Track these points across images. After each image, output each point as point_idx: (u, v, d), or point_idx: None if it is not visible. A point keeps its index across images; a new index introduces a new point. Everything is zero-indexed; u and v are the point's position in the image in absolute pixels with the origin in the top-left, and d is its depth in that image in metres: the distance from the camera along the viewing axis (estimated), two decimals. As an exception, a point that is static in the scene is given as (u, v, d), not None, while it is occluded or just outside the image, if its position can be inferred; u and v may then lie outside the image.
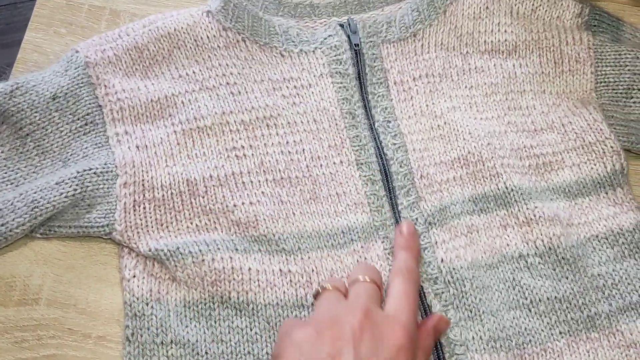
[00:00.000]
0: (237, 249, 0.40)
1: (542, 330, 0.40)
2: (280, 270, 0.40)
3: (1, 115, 0.41)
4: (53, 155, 0.41)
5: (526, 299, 0.40)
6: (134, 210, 0.40)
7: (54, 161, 0.41)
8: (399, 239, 0.38)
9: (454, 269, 0.41)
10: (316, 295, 0.35)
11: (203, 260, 0.38)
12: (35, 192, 0.39)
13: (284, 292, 0.39)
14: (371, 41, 0.46)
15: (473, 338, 0.39)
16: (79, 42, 0.44)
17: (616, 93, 0.46)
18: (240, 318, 0.38)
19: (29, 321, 0.38)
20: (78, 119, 0.42)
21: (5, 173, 0.40)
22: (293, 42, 0.46)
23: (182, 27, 0.45)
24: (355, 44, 0.45)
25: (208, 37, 0.45)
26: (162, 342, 0.37)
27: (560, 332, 0.40)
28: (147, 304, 0.38)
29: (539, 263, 0.41)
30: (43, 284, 0.39)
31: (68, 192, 0.39)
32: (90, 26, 0.46)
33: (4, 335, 0.38)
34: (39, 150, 0.41)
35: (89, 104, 0.42)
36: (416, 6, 0.47)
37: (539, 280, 0.41)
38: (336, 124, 0.44)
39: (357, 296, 0.34)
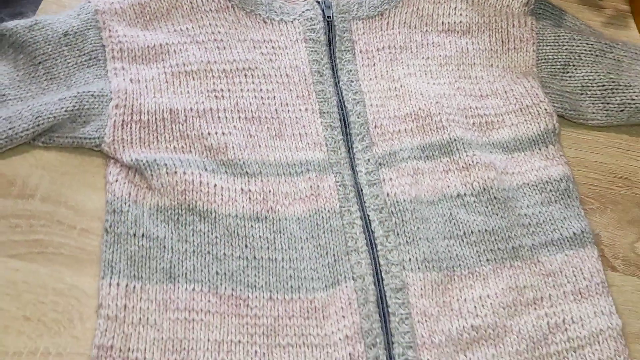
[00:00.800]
0: (206, 169, 0.44)
1: (472, 257, 0.44)
2: (242, 189, 0.44)
3: (20, 45, 0.47)
4: (59, 81, 0.47)
5: (460, 230, 0.45)
6: (122, 128, 0.45)
7: (59, 86, 0.47)
8: None
9: (397, 201, 0.45)
10: None
11: (176, 172, 0.43)
12: (40, 105, 0.45)
13: (243, 206, 0.44)
14: (342, 16, 0.52)
15: (409, 260, 0.43)
16: (92, -2, 0.51)
17: (554, 68, 0.52)
18: (203, 224, 0.43)
19: (24, 212, 0.43)
20: (83, 54, 0.48)
21: (18, 92, 0.46)
22: (275, 12, 0.52)
23: (181, -9, 0.52)
24: (328, 17, 0.52)
25: (202, 1, 0.52)
26: (134, 234, 0.42)
27: (487, 260, 0.44)
28: (125, 203, 0.43)
29: (474, 202, 0.46)
30: (39, 184, 0.44)
31: (68, 107, 0.45)
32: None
33: (1, 221, 0.42)
34: (47, 76, 0.47)
35: (94, 43, 0.48)
36: None
37: (472, 215, 0.45)
38: (305, 79, 0.50)
39: None
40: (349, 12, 0.52)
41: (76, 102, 0.45)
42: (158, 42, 0.49)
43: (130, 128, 0.45)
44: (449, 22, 0.53)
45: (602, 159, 0.50)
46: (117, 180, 0.44)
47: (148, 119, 0.46)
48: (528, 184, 0.47)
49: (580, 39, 0.52)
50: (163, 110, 0.46)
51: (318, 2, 0.52)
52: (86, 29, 0.48)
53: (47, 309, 0.40)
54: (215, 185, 0.44)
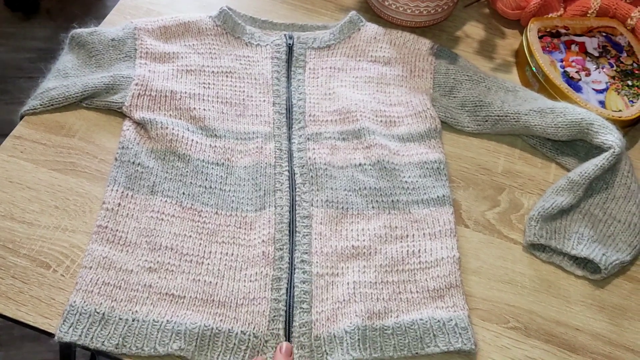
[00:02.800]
0: (188, 129, 0.61)
1: (362, 204, 0.58)
2: (210, 145, 0.61)
3: (82, 44, 0.67)
4: (103, 68, 0.66)
5: (356, 186, 0.59)
6: (137, 98, 0.63)
7: (103, 71, 0.65)
8: (277, 356, 0.47)
9: (315, 163, 0.61)
10: None
11: (167, 127, 0.60)
12: (88, 79, 0.63)
13: (209, 155, 0.60)
14: (301, 45, 0.70)
15: (317, 200, 0.58)
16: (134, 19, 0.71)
17: (444, 90, 0.68)
18: (180, 162, 0.59)
19: (67, 144, 0.60)
20: (122, 53, 0.67)
21: (76, 72, 0.65)
22: (254, 39, 0.71)
23: (192, 20, 0.71)
24: (289, 44, 0.70)
25: (206, 28, 0.71)
26: (133, 162, 0.58)
27: (373, 207, 0.58)
28: (131, 143, 0.60)
29: (370, 169, 0.61)
30: (79, 129, 0.62)
31: (105, 82, 0.63)
32: (144, 16, 0.74)
33: (50, 149, 0.60)
34: (96, 65, 0.66)
35: (130, 47, 0.67)
36: (333, 31, 0.72)
37: (367, 178, 0.60)
38: (267, 82, 0.67)
39: None
40: (305, 43, 0.71)
41: (111, 79, 0.64)
42: (172, 50, 0.68)
43: (142, 99, 0.63)
44: (376, 56, 0.71)
45: (473, 155, 0.65)
46: (128, 129, 0.61)
47: (155, 95, 0.64)
48: (412, 163, 0.62)
49: (463, 72, 0.68)
50: (166, 90, 0.64)
51: (285, 35, 0.71)
52: (127, 38, 0.68)
53: (70, 203, 0.57)
54: (192, 140, 0.61)
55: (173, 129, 0.61)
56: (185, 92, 0.64)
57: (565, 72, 0.68)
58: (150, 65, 0.66)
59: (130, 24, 0.69)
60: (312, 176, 0.60)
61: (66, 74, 0.65)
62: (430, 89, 0.68)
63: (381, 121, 0.65)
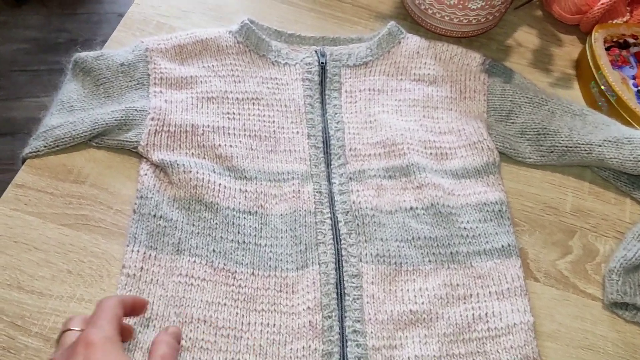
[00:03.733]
0: (214, 171, 0.54)
1: (417, 257, 0.51)
2: (240, 189, 0.54)
3: (88, 70, 0.59)
4: (113, 98, 0.58)
5: (409, 235, 0.52)
6: (154, 135, 0.55)
7: (113, 102, 0.58)
8: (161, 334, 0.38)
9: (361, 208, 0.53)
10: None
11: (190, 171, 0.53)
12: (97, 115, 0.55)
13: (240, 202, 0.53)
14: (334, 63, 0.62)
15: (366, 254, 0.51)
16: (145, 38, 0.62)
17: (500, 115, 0.60)
18: (208, 213, 0.52)
19: (76, 193, 0.53)
20: (133, 80, 0.59)
21: (82, 104, 0.57)
22: (282, 57, 0.63)
23: (211, 37, 0.62)
24: (322, 63, 0.62)
25: (226, 45, 0.63)
26: (154, 215, 0.51)
27: (429, 260, 0.51)
28: (150, 192, 0.52)
29: (423, 214, 0.53)
30: (90, 174, 0.54)
31: (117, 117, 0.55)
32: (155, 33, 0.64)
33: (58, 199, 0.52)
34: (106, 94, 0.58)
35: (143, 72, 0.59)
36: (369, 46, 0.63)
37: (421, 224, 0.53)
38: (299, 110, 0.59)
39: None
40: (340, 60, 0.62)
41: (123, 114, 0.56)
42: (189, 74, 0.60)
43: (160, 136, 0.55)
44: (419, 74, 0.62)
45: (537, 191, 0.58)
46: (146, 174, 0.54)
47: (174, 130, 0.56)
48: (469, 204, 0.55)
49: (521, 93, 0.60)
50: (187, 124, 0.56)
51: (316, 52, 0.63)
52: (138, 61, 0.60)
53: (85, 266, 0.50)
54: (220, 184, 0.53)
55: (197, 172, 0.53)
56: (208, 126, 0.56)
57: (639, 91, 0.60)
58: (166, 93, 0.58)
59: (140, 44, 0.61)
60: (358, 224, 0.52)
61: (71, 107, 0.57)
62: (484, 113, 0.60)
63: (431, 154, 0.57)
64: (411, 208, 0.54)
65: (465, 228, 0.53)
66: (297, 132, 0.58)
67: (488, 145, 0.57)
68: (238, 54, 0.62)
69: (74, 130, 0.55)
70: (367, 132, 0.58)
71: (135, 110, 0.56)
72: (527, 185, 0.58)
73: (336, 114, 0.59)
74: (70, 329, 0.37)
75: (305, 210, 0.53)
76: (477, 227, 0.53)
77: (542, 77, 0.66)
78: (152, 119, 0.56)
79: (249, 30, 0.62)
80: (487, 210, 0.54)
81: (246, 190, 0.54)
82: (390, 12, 0.70)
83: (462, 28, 0.66)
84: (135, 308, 0.40)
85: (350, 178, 0.55)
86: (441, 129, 0.59)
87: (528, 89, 0.61)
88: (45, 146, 0.54)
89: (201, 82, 0.60)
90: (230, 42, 0.62)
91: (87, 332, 0.34)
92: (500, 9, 0.64)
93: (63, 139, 0.54)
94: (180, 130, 0.56)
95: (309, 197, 0.54)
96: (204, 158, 0.55)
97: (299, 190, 0.54)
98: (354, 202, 0.54)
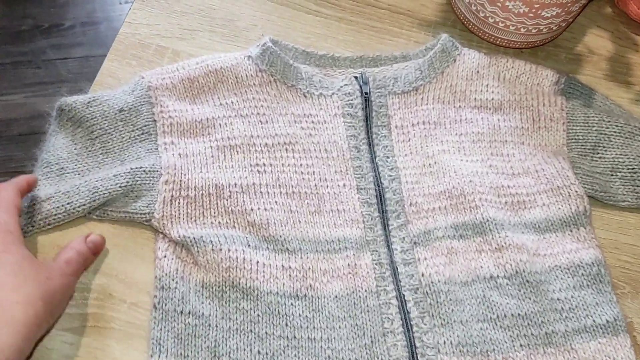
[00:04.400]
0: (249, 245, 0.44)
1: (505, 341, 0.42)
2: (282, 266, 0.44)
3: (78, 120, 0.48)
4: (114, 155, 0.47)
5: (493, 313, 0.43)
6: (171, 204, 0.45)
7: (114, 160, 0.47)
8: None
9: (432, 282, 0.44)
10: None
11: (220, 249, 0.43)
12: (96, 181, 0.45)
13: (284, 284, 0.43)
14: (379, 92, 0.51)
15: (444, 342, 0.42)
16: (145, 71, 0.51)
17: (584, 149, 0.50)
18: (246, 301, 0.42)
19: (79, 284, 0.42)
20: (137, 129, 0.48)
21: (75, 165, 0.46)
22: (315, 86, 0.52)
23: (227, 66, 0.51)
24: (365, 93, 0.51)
25: (247, 75, 0.52)
26: (181, 312, 0.41)
27: (521, 345, 0.42)
28: (172, 280, 0.42)
29: (507, 284, 0.44)
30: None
31: (122, 183, 0.45)
32: (155, 61, 0.53)
33: (54, 294, 0.43)
34: (103, 150, 0.47)
35: (147, 118, 0.48)
36: (419, 66, 0.53)
37: (505, 298, 0.44)
38: (343, 155, 0.49)
39: None
40: (385, 87, 0.52)
41: (129, 178, 0.45)
42: (205, 116, 0.49)
43: (179, 204, 0.45)
44: (481, 99, 0.52)
45: (634, 241, 0.49)
46: (165, 256, 0.43)
47: (195, 195, 0.45)
48: (560, 267, 0.45)
49: (609, 121, 0.50)
50: (209, 185, 0.46)
51: (356, 78, 0.52)
52: (140, 104, 0.49)
53: (97, 386, 0.40)
54: (257, 262, 0.43)
55: (229, 249, 0.43)
56: (236, 184, 0.46)
57: None
58: (180, 144, 0.47)
59: (140, 80, 0.50)
60: (431, 304, 0.43)
61: (62, 170, 0.46)
62: (564, 146, 0.50)
63: (505, 203, 0.48)
64: (491, 277, 0.45)
65: (558, 299, 0.44)
66: (344, 185, 0.48)
67: (576, 191, 0.48)
68: (262, 85, 0.51)
69: (68, 203, 0.44)
70: (428, 179, 0.48)
71: (144, 171, 0.46)
72: (621, 234, 0.49)
73: (388, 157, 0.49)
74: None
75: (365, 290, 0.43)
76: (572, 297, 0.44)
77: (622, 92, 0.57)
78: (167, 182, 0.45)
79: (273, 54, 0.51)
80: (583, 274, 0.45)
81: (290, 267, 0.44)
82: (436, 18, 0.59)
83: (529, 38, 0.55)
84: (29, 184, 0.41)
85: (415, 242, 0.46)
86: (514, 170, 0.49)
87: (614, 113, 0.52)
88: (32, 226, 0.44)
89: (220, 125, 0.49)
90: (251, 71, 0.51)
91: None
92: (575, 14, 0.54)
93: (55, 215, 0.44)
94: (203, 194, 0.45)
95: (367, 272, 0.44)
96: (235, 228, 0.45)
97: (355, 264, 0.44)
98: (422, 275, 0.44)
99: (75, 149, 0.47)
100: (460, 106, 0.52)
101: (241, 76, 0.51)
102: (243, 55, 0.52)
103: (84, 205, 0.44)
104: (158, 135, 0.48)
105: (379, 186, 0.48)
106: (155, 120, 0.48)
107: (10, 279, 0.33)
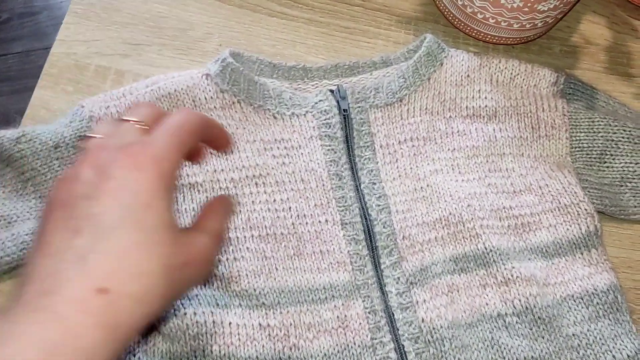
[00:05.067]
0: (217, 304, 0.38)
1: (519, 390, 0.38)
2: (260, 324, 0.38)
3: (6, 159, 0.40)
4: (51, 206, 0.40)
5: (504, 358, 0.39)
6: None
7: (52, 212, 0.40)
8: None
9: (434, 328, 0.39)
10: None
11: (185, 314, 0.37)
12: (26, 235, 0.38)
13: (263, 345, 0.38)
14: (359, 106, 0.45)
15: (450, 398, 0.38)
16: (84, 98, 0.44)
17: (590, 158, 0.46)
18: (222, 373, 0.37)
19: None
20: (77, 172, 0.41)
21: (3, 211, 0.39)
22: (286, 105, 0.45)
23: (182, 88, 0.45)
24: (344, 109, 0.45)
25: (205, 98, 0.45)
26: (144, 394, 0.36)
27: (536, 394, 0.38)
28: (134, 355, 0.37)
29: (517, 322, 0.40)
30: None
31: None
32: (96, 85, 0.46)
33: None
34: (37, 194, 0.40)
35: (89, 157, 0.42)
36: (402, 73, 0.47)
37: (516, 339, 0.39)
38: (323, 185, 0.43)
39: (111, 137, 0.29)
40: (365, 100, 0.46)
41: (71, 236, 0.38)
42: (159, 149, 0.42)
43: (134, 261, 0.39)
44: (473, 107, 0.47)
45: (647, 257, 0.45)
46: (121, 327, 0.37)
47: (153, 249, 0.39)
48: (572, 296, 0.41)
49: (616, 125, 0.46)
50: (169, 236, 0.40)
51: (332, 91, 0.46)
52: (79, 138, 0.42)
53: None
54: (230, 323, 0.38)
55: (195, 313, 0.37)
56: (200, 231, 0.40)
57: None
58: None
59: (80, 110, 0.43)
60: (434, 354, 0.38)
61: (-12, 223, 0.39)
62: (568, 155, 0.46)
63: (508, 226, 0.43)
64: (499, 315, 0.40)
65: (574, 335, 0.40)
66: (327, 221, 0.42)
67: (585, 209, 0.43)
68: (224, 108, 0.44)
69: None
70: (420, 206, 0.43)
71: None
72: (633, 250, 0.45)
73: (374, 184, 0.43)
74: (129, 120, 0.29)
75: (358, 345, 0.38)
76: (588, 331, 0.40)
77: (624, 86, 0.52)
78: (117, 236, 0.39)
79: (235, 70, 0.45)
80: (598, 303, 0.41)
81: (268, 325, 0.38)
82: (416, 13, 0.53)
83: (522, 34, 0.49)
84: (218, 140, 0.32)
85: (411, 282, 0.40)
86: (515, 187, 0.44)
87: (620, 114, 0.47)
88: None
89: (177, 159, 0.42)
90: (210, 93, 0.45)
91: (152, 145, 0.27)
92: (572, 3, 0.48)
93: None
94: (161, 247, 0.39)
95: (360, 323, 0.39)
96: (199, 286, 0.39)
97: (345, 315, 0.39)
98: (423, 321, 0.39)
99: (3, 192, 0.40)
100: (450, 116, 0.46)
101: (199, 99, 0.44)
102: (200, 74, 0.45)
103: (11, 263, 0.38)
104: (104, 176, 0.41)
105: (366, 219, 0.42)
106: (99, 159, 0.41)
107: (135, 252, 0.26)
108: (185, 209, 0.41)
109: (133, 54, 0.48)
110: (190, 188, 0.42)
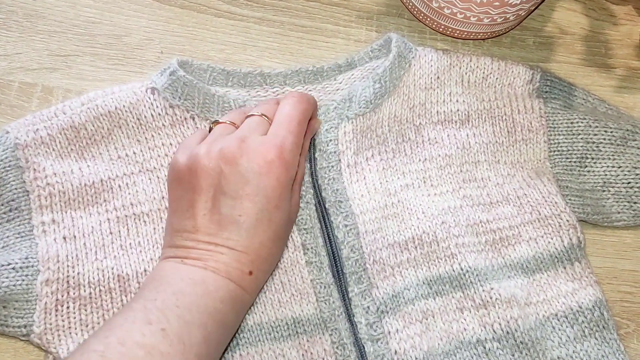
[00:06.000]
0: (172, 350, 0.35)
1: None
2: (220, 370, 0.35)
3: None
4: (-29, 250, 0.36)
5: (484, 388, 0.36)
6: (56, 311, 0.35)
7: (-28, 258, 0.36)
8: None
9: (408, 358, 0.37)
10: (211, 128, 0.38)
11: None
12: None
13: (223, 395, 0.35)
14: (329, 124, 0.41)
15: None
16: (8, 122, 0.39)
17: (570, 162, 0.43)
18: None
19: None
20: (2, 205, 0.37)
21: None
22: (241, 119, 0.42)
23: (124, 105, 0.40)
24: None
25: (152, 115, 0.40)
26: None
27: None
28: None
29: (497, 348, 0.37)
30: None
31: (-19, 291, 0.34)
32: (21, 105, 0.41)
33: None
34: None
35: (15, 188, 0.37)
36: (379, 78, 0.42)
37: (497, 367, 0.37)
38: None
39: (241, 129, 0.36)
40: (339, 116, 0.41)
41: (-6, 283, 0.34)
42: (98, 176, 0.38)
43: (67, 309, 0.35)
44: (444, 112, 0.43)
45: (632, 265, 0.43)
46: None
47: (90, 293, 0.35)
48: (556, 315, 0.39)
49: (597, 126, 0.43)
50: (109, 277, 0.36)
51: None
52: (4, 171, 0.38)
53: None
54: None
55: None
56: (145, 271, 0.37)
57: None
58: (64, 222, 0.37)
59: (4, 136, 0.39)
60: (409, 390, 0.36)
61: None
62: (547, 160, 0.43)
63: (486, 242, 0.40)
64: (478, 341, 0.37)
65: (559, 358, 0.38)
66: (287, 248, 0.38)
67: (567, 220, 0.41)
68: (174, 125, 0.40)
69: None
70: (391, 224, 0.40)
71: (13, 269, 0.35)
72: (618, 258, 0.43)
73: (340, 202, 0.40)
74: (253, 114, 0.37)
75: (326, 386, 0.35)
76: (574, 353, 0.38)
77: (602, 79, 0.49)
78: (48, 281, 0.35)
79: (187, 83, 0.40)
80: (583, 322, 0.39)
81: (228, 369, 0.35)
82: (377, 6, 0.49)
83: (493, 28, 0.46)
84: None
85: (382, 311, 0.38)
86: (492, 198, 0.42)
87: (600, 112, 0.44)
88: None
89: (120, 187, 0.39)
90: (158, 108, 0.41)
91: (274, 142, 0.35)
92: (546, -6, 0.45)
93: None
94: (101, 291, 0.36)
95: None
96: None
97: (311, 352, 0.36)
98: (396, 353, 0.37)
99: None
100: (420, 123, 0.43)
101: (145, 117, 0.40)
102: (144, 88, 0.41)
103: None
104: (32, 211, 0.37)
105: (331, 242, 0.39)
106: (27, 191, 0.37)
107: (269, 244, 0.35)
108: (131, 244, 0.37)
109: (62, 66, 0.43)
110: (135, 220, 0.38)
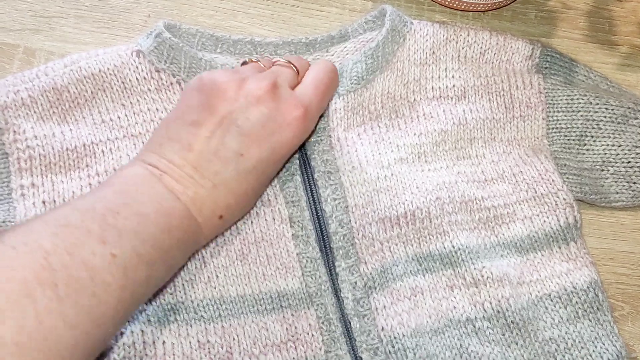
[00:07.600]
0: (150, 321, 0.34)
1: (490, 405, 0.35)
2: (199, 341, 0.35)
3: None
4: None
5: (473, 367, 0.36)
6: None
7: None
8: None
9: (395, 337, 0.36)
10: (244, 64, 0.39)
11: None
12: None
13: (205, 366, 0.34)
14: None
15: (415, 416, 0.35)
16: (-12, 83, 0.39)
17: (569, 140, 0.43)
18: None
19: None
20: (-22, 170, 0.36)
21: None
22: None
23: (108, 68, 0.39)
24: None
25: (137, 79, 0.40)
26: None
27: (510, 407, 0.36)
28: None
29: (487, 327, 0.37)
30: None
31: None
32: (2, 66, 0.40)
33: None
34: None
35: (-7, 152, 0.37)
36: (371, 52, 0.41)
37: (487, 346, 0.36)
38: None
39: (272, 72, 0.36)
40: None
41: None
42: (81, 141, 0.38)
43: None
44: (440, 87, 0.43)
45: (630, 247, 0.42)
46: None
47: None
48: (549, 296, 0.38)
49: (598, 103, 0.42)
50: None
51: (281, 69, 0.41)
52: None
53: None
54: (164, 342, 0.34)
55: (122, 333, 0.34)
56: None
57: None
58: (44, 186, 0.37)
59: (-19, 98, 0.37)
60: (396, 366, 0.35)
61: None
62: (544, 137, 0.42)
63: (479, 219, 0.40)
64: (468, 319, 0.37)
65: (550, 339, 0.37)
66: (274, 220, 0.38)
67: (564, 198, 0.40)
68: (159, 89, 0.40)
69: None
70: (383, 198, 0.39)
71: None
72: (615, 239, 0.43)
73: (330, 173, 0.39)
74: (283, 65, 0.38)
75: (311, 359, 0.35)
76: (567, 334, 0.37)
77: (605, 56, 0.48)
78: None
79: (174, 46, 0.40)
80: (577, 302, 0.38)
81: (208, 342, 0.35)
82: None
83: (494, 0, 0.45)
84: None
85: (370, 287, 0.37)
86: (487, 175, 0.41)
87: (601, 89, 0.44)
88: None
89: (103, 152, 0.38)
90: (143, 72, 0.40)
91: (301, 100, 0.35)
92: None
93: None
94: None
95: (313, 335, 0.36)
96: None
97: (296, 326, 0.36)
98: (382, 329, 0.36)
99: None
100: (415, 100, 0.42)
101: (130, 80, 0.40)
102: (130, 51, 0.40)
103: None
104: (11, 174, 0.37)
105: (318, 215, 0.38)
106: (6, 154, 0.37)
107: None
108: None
109: (45, 28, 0.42)
110: None
